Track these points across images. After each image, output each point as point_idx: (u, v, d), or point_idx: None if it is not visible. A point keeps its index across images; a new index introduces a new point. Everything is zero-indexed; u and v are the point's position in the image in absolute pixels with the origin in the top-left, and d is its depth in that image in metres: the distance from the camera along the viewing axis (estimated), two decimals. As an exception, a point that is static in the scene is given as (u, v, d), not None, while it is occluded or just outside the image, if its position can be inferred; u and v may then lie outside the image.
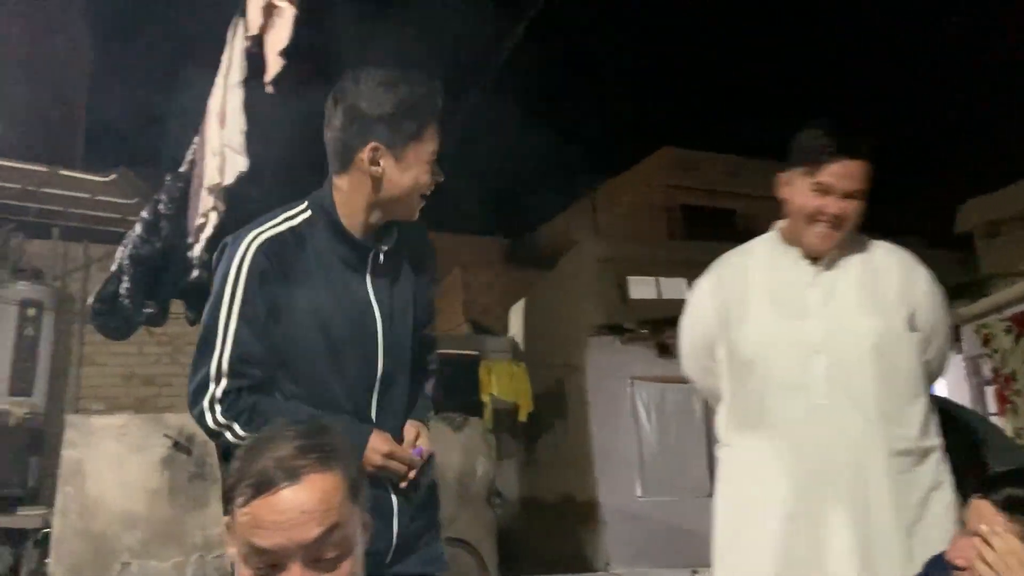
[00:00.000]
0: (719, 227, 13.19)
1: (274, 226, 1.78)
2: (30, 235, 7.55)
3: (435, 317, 2.06)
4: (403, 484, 1.77)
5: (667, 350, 9.98)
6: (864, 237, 2.07)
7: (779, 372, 1.98)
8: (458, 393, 10.12)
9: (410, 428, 1.83)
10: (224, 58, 2.82)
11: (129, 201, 6.80)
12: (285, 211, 1.82)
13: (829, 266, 2.02)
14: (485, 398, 10.22)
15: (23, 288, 6.90)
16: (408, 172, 1.75)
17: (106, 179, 6.42)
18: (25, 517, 6.12)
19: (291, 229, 1.78)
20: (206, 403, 1.71)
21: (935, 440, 1.95)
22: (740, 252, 2.21)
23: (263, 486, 1.15)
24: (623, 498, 9.57)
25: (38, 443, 6.70)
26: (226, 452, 1.76)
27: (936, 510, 1.89)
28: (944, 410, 2.05)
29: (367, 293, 1.81)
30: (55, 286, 7.23)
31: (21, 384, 6.68)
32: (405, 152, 1.74)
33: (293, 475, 1.15)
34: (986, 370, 7.21)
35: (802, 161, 2.00)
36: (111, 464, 4.53)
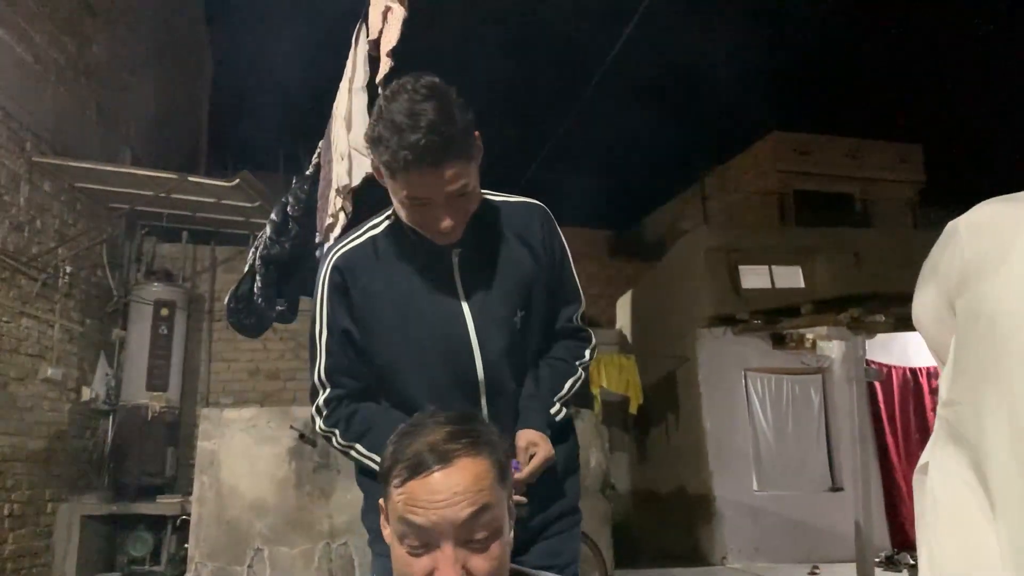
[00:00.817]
0: (835, 212, 12.75)
1: (356, 238, 1.79)
2: (162, 239, 7.97)
3: (578, 298, 1.95)
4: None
5: (782, 341, 9.72)
6: None
7: None
8: (568, 386, 10.13)
9: (520, 437, 1.72)
10: (348, 63, 2.91)
11: (251, 204, 7.08)
12: (373, 219, 1.82)
13: None
14: (594, 391, 10.20)
15: (157, 289, 7.29)
16: (394, 199, 1.69)
17: (230, 184, 6.70)
18: (164, 504, 6.49)
19: (372, 239, 1.78)
20: (314, 410, 1.78)
21: None
22: (1008, 201, 1.84)
23: (417, 468, 1.19)
24: (739, 492, 9.39)
25: (174, 435, 7.09)
26: None
27: None
28: None
29: (456, 295, 1.75)
30: (185, 287, 7.62)
31: (157, 380, 7.08)
32: (391, 183, 1.66)
33: (445, 458, 1.19)
34: None
35: None
36: (242, 454, 4.73)
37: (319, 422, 1.78)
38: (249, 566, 4.65)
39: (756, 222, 13.29)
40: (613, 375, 10.15)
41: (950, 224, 1.92)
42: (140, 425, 6.91)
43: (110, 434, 7.11)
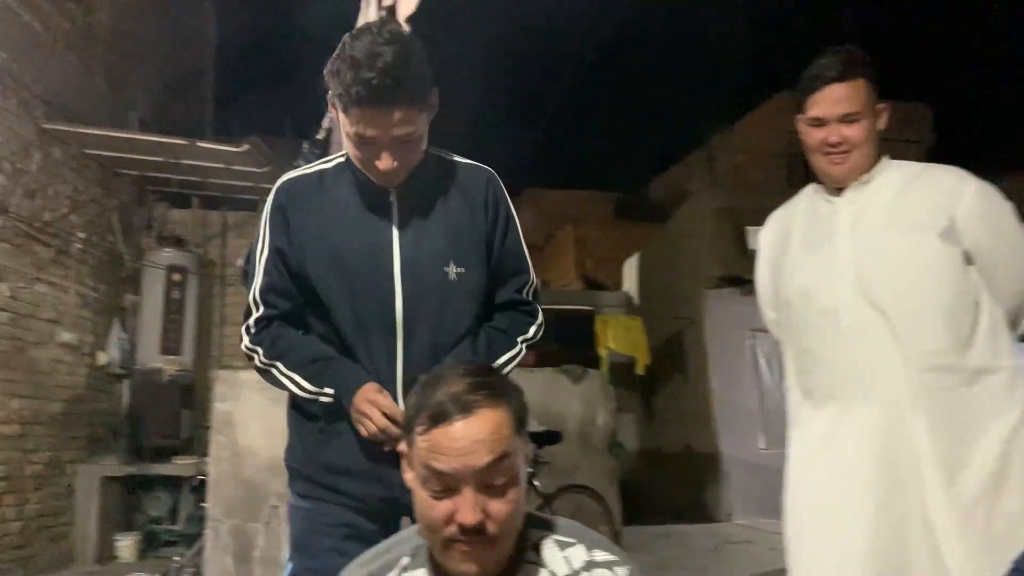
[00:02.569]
0: (841, 173, 12.68)
1: (306, 169, 1.88)
2: (172, 205, 8.03)
3: (527, 270, 1.97)
4: (387, 448, 1.68)
5: (789, 301, 9.78)
6: (910, 162, 2.06)
7: (811, 301, 2.01)
8: (574, 347, 10.23)
9: None
10: (356, 28, 2.93)
11: (261, 169, 7.12)
12: (328, 158, 1.91)
13: (857, 194, 2.02)
14: (601, 352, 10.29)
15: (168, 254, 7.37)
16: (343, 135, 1.76)
17: (239, 149, 6.74)
18: (181, 465, 6.63)
19: (320, 172, 1.86)
20: (243, 329, 1.83)
21: (1001, 362, 1.87)
22: (787, 204, 2.29)
23: (440, 417, 1.27)
24: (746, 450, 9.51)
25: (188, 398, 7.21)
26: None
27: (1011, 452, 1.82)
28: None
29: (389, 235, 1.79)
30: (197, 252, 7.69)
31: (171, 343, 7.18)
32: (342, 117, 1.72)
33: (466, 408, 1.27)
34: None
35: (801, 101, 2.04)
36: (256, 415, 4.82)
37: (245, 340, 1.83)
38: (266, 523, 4.77)
39: (764, 183, 13.27)
40: (620, 336, 10.24)
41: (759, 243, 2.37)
42: (155, 388, 7.03)
43: (126, 397, 7.23)
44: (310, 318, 1.83)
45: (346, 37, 1.69)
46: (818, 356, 2.01)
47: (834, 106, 1.97)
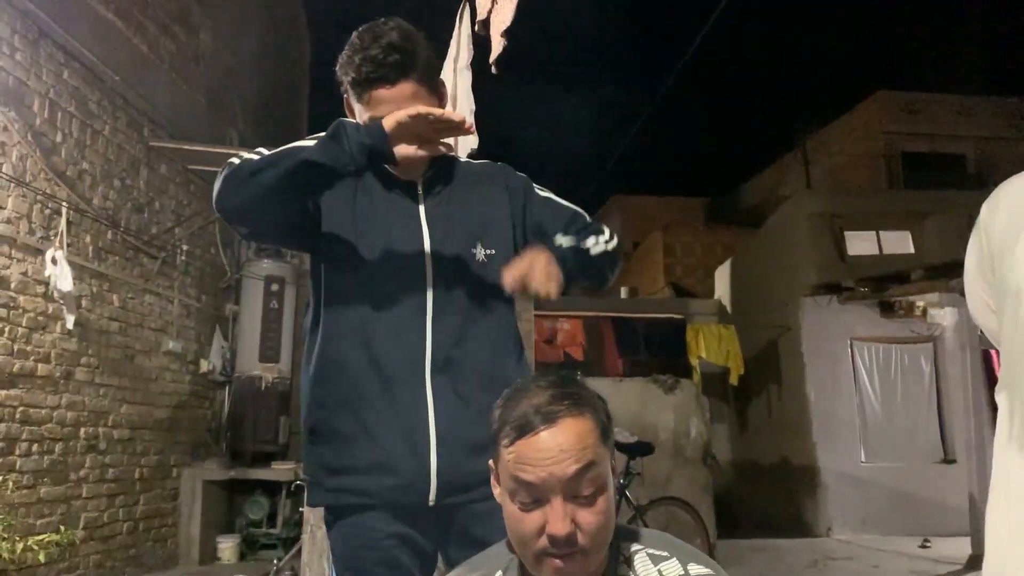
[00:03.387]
0: (946, 174, 12.16)
1: None
2: (269, 217, 8.29)
3: (572, 208, 1.89)
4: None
5: (890, 309, 9.41)
6: None
7: None
8: (665, 357, 10.10)
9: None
10: (452, 43, 2.97)
11: (353, 181, 7.27)
12: None
13: None
14: (693, 361, 10.11)
15: (267, 265, 7.61)
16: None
17: (332, 162, 6.89)
18: (279, 470, 6.81)
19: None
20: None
21: None
22: (1020, 176, 1.94)
23: (525, 429, 1.26)
24: (845, 463, 9.19)
25: (286, 404, 7.41)
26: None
27: None
28: None
29: (419, 222, 1.77)
30: (293, 263, 7.91)
31: (269, 351, 7.40)
32: (358, 108, 1.72)
33: (550, 419, 1.26)
34: None
35: None
36: (351, 423, 4.87)
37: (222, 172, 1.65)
38: (360, 528, 4.85)
39: (861, 186, 12.84)
40: (712, 346, 10.05)
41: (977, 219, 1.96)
42: (254, 395, 7.25)
43: (227, 404, 7.49)
44: (325, 299, 1.78)
45: (353, 35, 1.72)
46: None
47: None
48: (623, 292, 13.93)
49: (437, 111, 1.56)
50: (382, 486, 1.70)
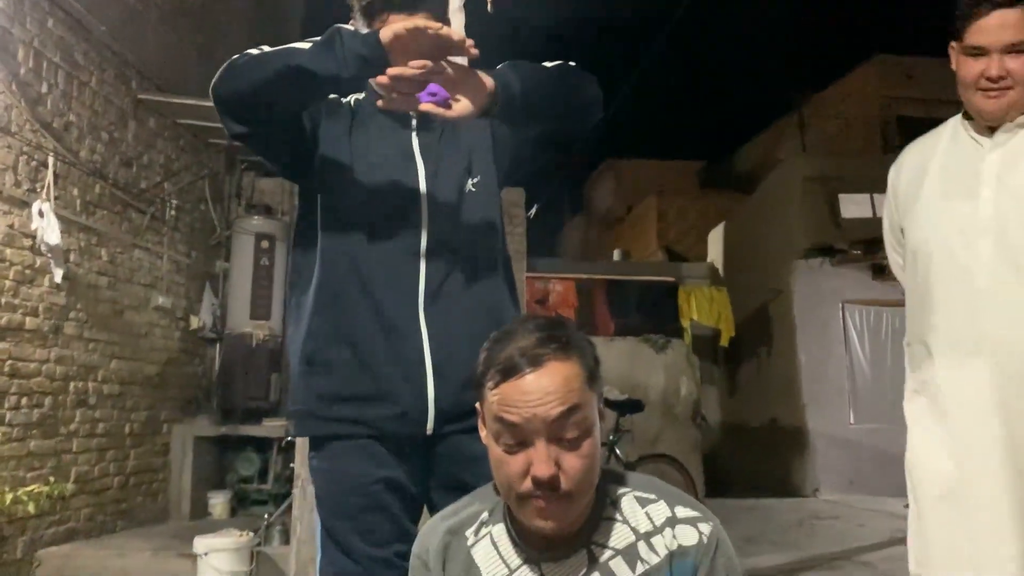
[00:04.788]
0: (941, 139, 12.11)
1: (340, 97, 1.86)
2: (259, 174, 8.20)
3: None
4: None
5: (882, 272, 9.43)
6: None
7: (943, 257, 1.82)
8: (656, 319, 10.11)
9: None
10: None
11: (344, 137, 7.19)
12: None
13: (1010, 136, 1.81)
14: (685, 324, 10.14)
15: (257, 222, 7.53)
16: None
17: (324, 117, 6.80)
18: (270, 427, 6.82)
19: (352, 99, 1.86)
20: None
21: None
22: (927, 135, 2.04)
23: (510, 371, 1.25)
24: (834, 425, 9.26)
25: (276, 362, 7.38)
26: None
27: None
28: None
29: (412, 154, 1.79)
30: (284, 220, 7.84)
31: (260, 309, 7.36)
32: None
33: (536, 361, 1.25)
34: None
35: (958, 29, 1.84)
36: (341, 379, 4.87)
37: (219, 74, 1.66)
38: (351, 483, 4.86)
39: (857, 150, 12.78)
40: (704, 308, 10.07)
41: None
42: (245, 352, 7.22)
43: (217, 361, 7.47)
44: (321, 223, 1.78)
45: None
46: (944, 316, 1.82)
47: (999, 33, 1.76)
48: (616, 255, 13.93)
49: (436, 25, 1.50)
50: (379, 415, 1.70)
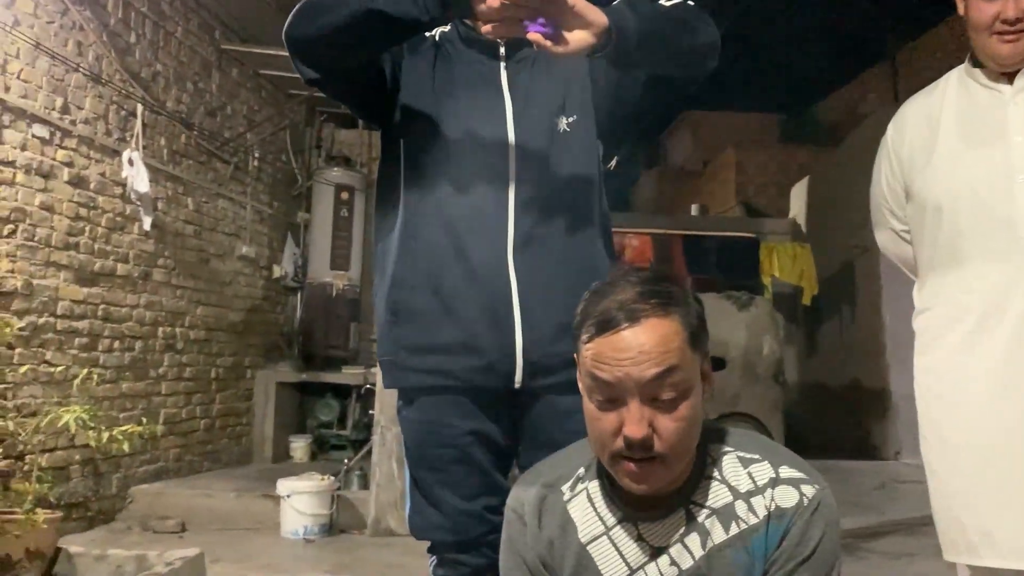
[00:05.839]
0: (1046, 89, 11.45)
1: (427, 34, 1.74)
2: (339, 125, 8.26)
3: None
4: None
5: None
6: None
7: (974, 208, 1.68)
8: (736, 275, 9.89)
9: None
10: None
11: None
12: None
13: None
14: (766, 280, 9.91)
15: (337, 173, 7.61)
16: None
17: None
18: (349, 375, 6.96)
19: (437, 34, 1.74)
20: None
21: None
22: (923, 92, 1.88)
23: (606, 325, 1.19)
24: (919, 387, 8.98)
25: (356, 311, 7.51)
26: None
27: None
28: None
29: (500, 87, 1.68)
30: (363, 172, 7.90)
31: (340, 259, 7.48)
32: None
33: (633, 317, 1.19)
34: None
35: None
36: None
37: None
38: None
39: (951, 102, 12.18)
40: (786, 265, 9.81)
41: (883, 140, 1.88)
42: (325, 301, 7.36)
43: (299, 309, 7.63)
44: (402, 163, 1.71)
45: None
46: (979, 270, 1.68)
47: None
48: (693, 209, 13.66)
49: None
50: (465, 367, 1.64)
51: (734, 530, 1.25)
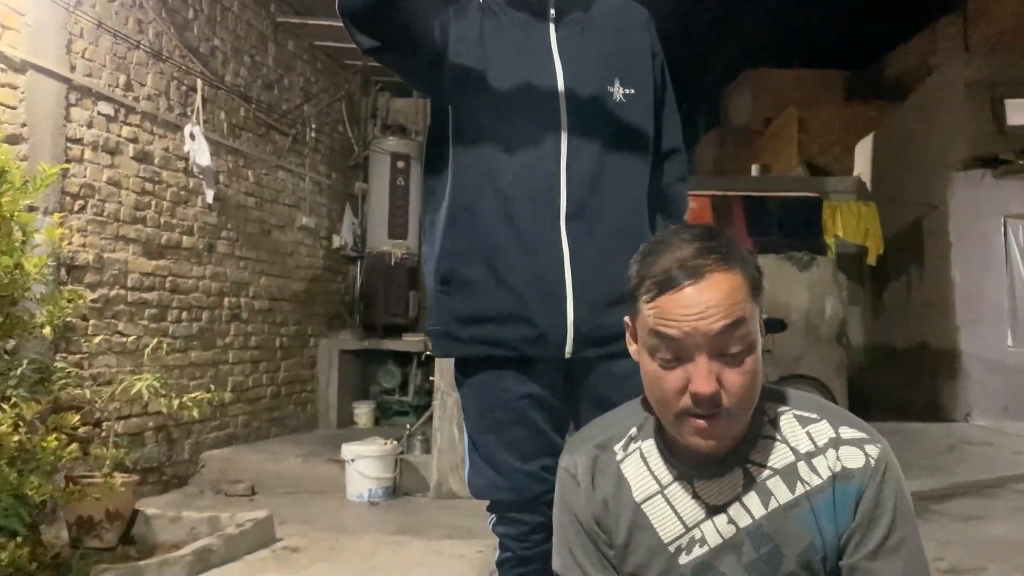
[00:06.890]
0: None
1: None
2: (394, 94, 8.28)
3: (670, 106, 1.82)
4: None
5: (1053, 183, 8.66)
6: None
7: None
8: (798, 236, 9.67)
9: None
10: None
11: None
12: None
13: None
14: (829, 240, 9.67)
15: (392, 143, 7.65)
16: None
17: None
18: (410, 342, 7.05)
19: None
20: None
21: None
22: None
23: (668, 283, 1.18)
24: (991, 348, 8.71)
25: (414, 280, 7.59)
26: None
27: None
28: None
29: (551, 55, 1.65)
30: (418, 140, 7.92)
31: (397, 228, 7.54)
32: None
33: (696, 273, 1.17)
34: None
35: None
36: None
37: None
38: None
39: (1027, 51, 11.64)
40: (851, 224, 9.55)
41: None
42: (384, 270, 7.45)
43: (359, 278, 7.74)
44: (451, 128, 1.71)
45: None
46: None
47: None
48: (754, 170, 13.38)
49: None
50: (516, 336, 1.64)
51: (800, 491, 1.24)
